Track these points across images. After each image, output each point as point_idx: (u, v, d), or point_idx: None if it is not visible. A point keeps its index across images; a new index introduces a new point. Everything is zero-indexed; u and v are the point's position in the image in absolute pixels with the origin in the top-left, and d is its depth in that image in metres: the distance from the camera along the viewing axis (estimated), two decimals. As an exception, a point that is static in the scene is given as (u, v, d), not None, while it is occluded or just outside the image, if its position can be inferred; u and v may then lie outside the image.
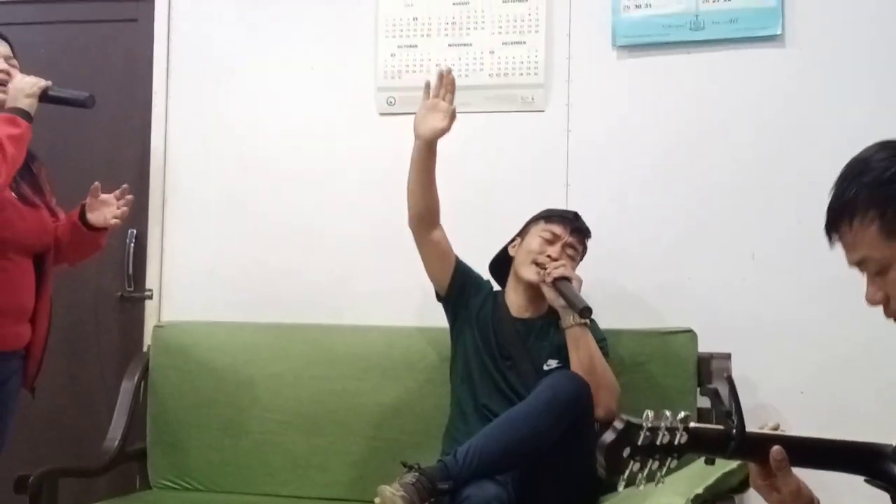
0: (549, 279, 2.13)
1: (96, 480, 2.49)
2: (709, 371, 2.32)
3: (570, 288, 2.10)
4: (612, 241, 2.50)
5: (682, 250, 2.54)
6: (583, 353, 2.10)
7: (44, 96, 2.01)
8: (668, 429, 1.10)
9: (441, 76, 2.14)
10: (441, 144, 2.18)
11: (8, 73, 2.02)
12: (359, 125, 2.72)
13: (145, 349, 2.69)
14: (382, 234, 2.61)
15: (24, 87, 1.98)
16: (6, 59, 2.05)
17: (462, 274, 2.27)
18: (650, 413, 1.10)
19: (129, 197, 2.19)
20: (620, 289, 2.54)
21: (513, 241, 2.31)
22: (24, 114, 1.96)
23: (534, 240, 2.22)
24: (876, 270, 1.19)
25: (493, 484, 1.93)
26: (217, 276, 2.78)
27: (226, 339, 2.60)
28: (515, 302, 2.25)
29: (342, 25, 2.74)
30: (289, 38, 2.77)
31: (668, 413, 1.12)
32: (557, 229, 2.22)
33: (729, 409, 1.12)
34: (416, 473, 1.86)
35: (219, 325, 2.65)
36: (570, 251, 2.21)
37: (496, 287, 2.35)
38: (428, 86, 2.16)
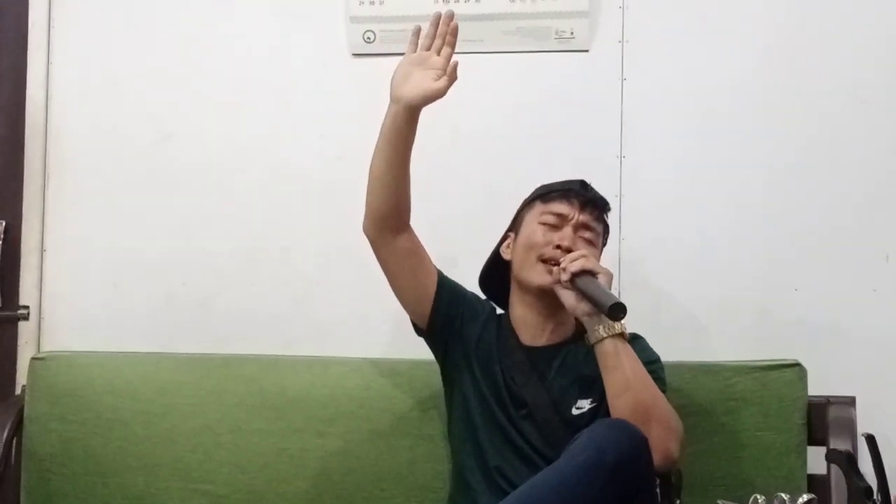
0: (564, 277, 2.10)
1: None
2: (823, 423, 2.33)
3: (595, 284, 2.08)
4: (685, 236, 2.53)
5: (785, 249, 2.54)
6: (621, 375, 2.07)
7: None
8: (785, 518, 1.13)
9: (437, 20, 2.15)
10: (431, 108, 2.14)
11: None
12: (323, 71, 2.74)
13: (18, 391, 2.69)
14: (356, 229, 2.51)
15: None
16: None
17: (448, 293, 2.27)
18: (760, 498, 1.04)
19: None
20: (695, 303, 2.54)
21: (504, 239, 2.33)
22: None
23: (533, 230, 2.23)
24: None
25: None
26: (122, 287, 2.79)
27: (133, 377, 2.58)
28: (525, 324, 2.26)
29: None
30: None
31: (784, 497, 1.09)
32: (562, 207, 2.23)
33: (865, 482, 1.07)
34: None
35: (123, 357, 2.64)
36: (586, 234, 2.22)
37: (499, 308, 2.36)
38: (417, 33, 2.17)
